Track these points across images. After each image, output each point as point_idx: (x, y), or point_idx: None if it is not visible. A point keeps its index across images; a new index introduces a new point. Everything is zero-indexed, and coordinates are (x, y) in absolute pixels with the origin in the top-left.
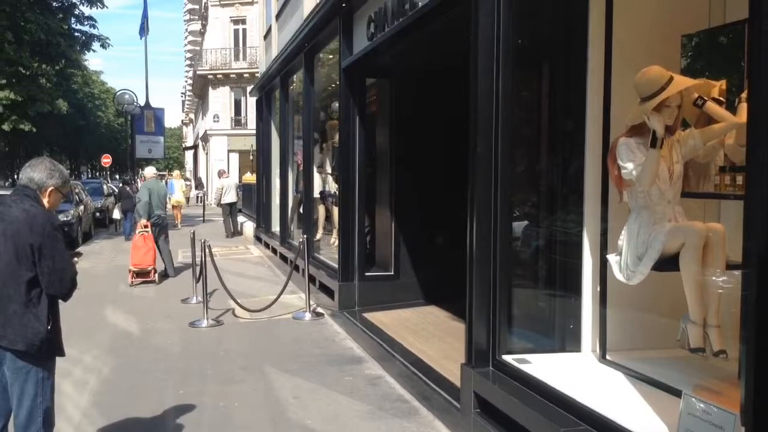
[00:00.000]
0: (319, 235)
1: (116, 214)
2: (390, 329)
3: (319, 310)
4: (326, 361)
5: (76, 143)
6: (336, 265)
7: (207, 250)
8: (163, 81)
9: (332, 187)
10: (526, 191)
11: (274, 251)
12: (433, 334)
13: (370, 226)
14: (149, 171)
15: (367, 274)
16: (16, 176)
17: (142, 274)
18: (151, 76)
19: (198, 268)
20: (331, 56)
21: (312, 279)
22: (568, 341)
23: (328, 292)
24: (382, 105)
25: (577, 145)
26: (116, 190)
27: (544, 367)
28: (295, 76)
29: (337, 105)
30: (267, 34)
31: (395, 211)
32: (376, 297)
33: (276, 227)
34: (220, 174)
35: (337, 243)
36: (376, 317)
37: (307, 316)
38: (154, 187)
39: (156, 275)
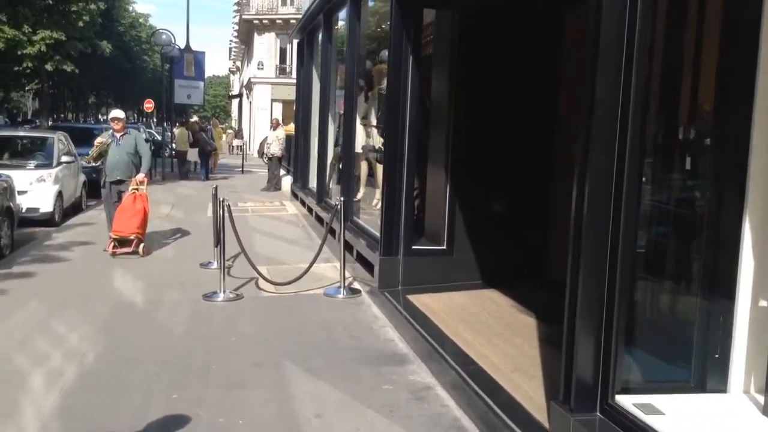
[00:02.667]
0: (359, 195)
1: (191, 157)
2: (440, 319)
3: (356, 285)
4: (360, 358)
5: (122, 87)
6: (377, 234)
7: (225, 211)
8: (212, 28)
9: (377, 141)
10: (660, 162)
11: (310, 210)
12: (496, 331)
13: (420, 190)
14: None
15: (414, 247)
16: (63, 115)
17: (123, 244)
18: (201, 23)
19: (219, 227)
20: None
21: (349, 247)
22: (710, 376)
23: (366, 264)
24: (441, 45)
25: (741, 101)
26: (155, 137)
27: (683, 420)
28: (340, 14)
29: (386, 53)
30: None
31: (451, 173)
32: (424, 275)
33: (313, 183)
34: (275, 125)
35: (379, 205)
36: (424, 301)
37: (342, 293)
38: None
39: (142, 246)
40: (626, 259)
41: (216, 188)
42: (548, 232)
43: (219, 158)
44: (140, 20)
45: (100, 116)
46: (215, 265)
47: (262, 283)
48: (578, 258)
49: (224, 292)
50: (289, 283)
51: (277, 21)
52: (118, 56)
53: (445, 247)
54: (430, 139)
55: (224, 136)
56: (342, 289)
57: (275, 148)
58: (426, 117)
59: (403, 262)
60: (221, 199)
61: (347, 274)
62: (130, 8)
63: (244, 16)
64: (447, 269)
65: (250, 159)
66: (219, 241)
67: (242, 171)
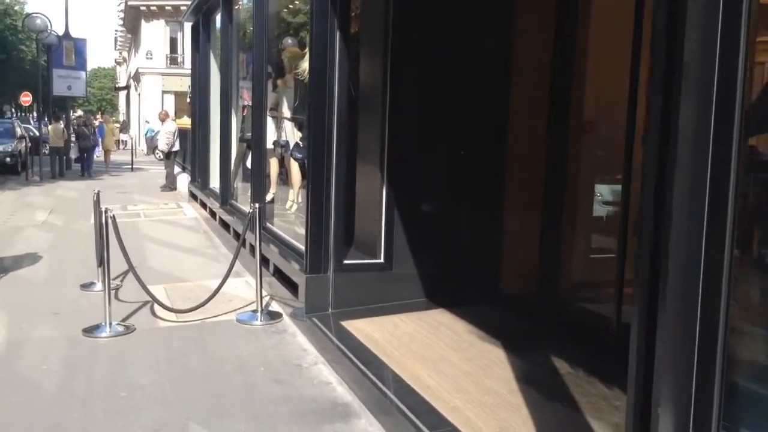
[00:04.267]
0: (269, 196)
1: (73, 153)
2: (388, 353)
3: (275, 307)
4: (292, 414)
5: None
6: (298, 245)
7: (109, 224)
8: (95, 16)
9: (291, 135)
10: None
11: (213, 214)
12: (462, 370)
13: (350, 194)
14: None
15: (346, 261)
16: None
17: None
18: (82, 9)
19: (102, 243)
20: None
21: (264, 260)
22: None
23: (285, 279)
24: (373, 24)
25: None
26: (33, 133)
27: None
28: None
29: (289, 40)
30: None
31: (388, 173)
32: (359, 295)
33: (215, 183)
34: (163, 117)
35: (294, 208)
36: (362, 328)
37: (259, 318)
38: None
39: None
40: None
41: (98, 194)
42: (500, 240)
43: (110, 156)
44: (15, 8)
45: None
46: (99, 285)
47: (159, 309)
48: (662, 293)
49: (110, 324)
50: (192, 309)
51: (167, 8)
52: None
53: (382, 260)
54: (362, 133)
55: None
56: (259, 313)
57: (163, 144)
58: (357, 107)
59: (334, 279)
60: (104, 210)
61: (264, 293)
62: None
63: (130, 3)
64: (385, 286)
65: (139, 155)
66: (102, 260)
67: (132, 168)
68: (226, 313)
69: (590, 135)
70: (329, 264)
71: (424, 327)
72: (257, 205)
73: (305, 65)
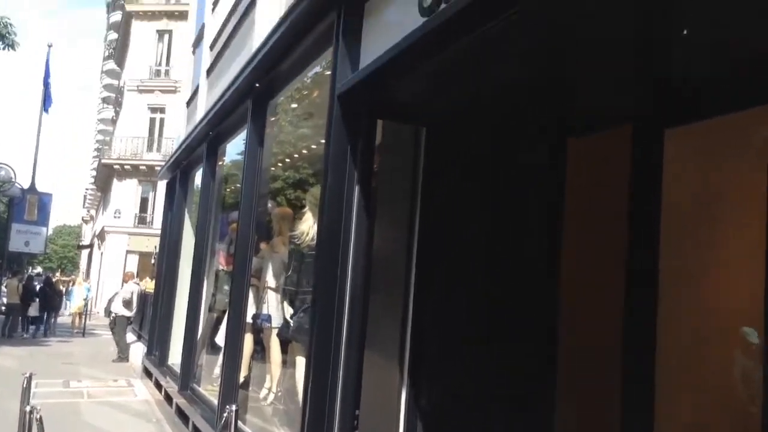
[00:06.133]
0: (242, 378)
1: (33, 311)
2: None
3: None
4: None
5: None
6: None
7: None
8: (67, 173)
9: (273, 308)
10: None
11: (169, 398)
12: None
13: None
14: None
15: None
16: None
17: None
18: (53, 162)
19: None
20: (295, 104)
21: None
22: None
23: None
24: (398, 172)
25: None
26: None
27: None
28: (232, 141)
29: (269, 204)
30: (191, 99)
31: (412, 358)
32: None
33: (175, 358)
34: (127, 278)
35: (271, 398)
36: None
37: None
38: None
39: None
40: None
41: (29, 379)
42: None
43: (78, 319)
44: None
45: None
46: None
47: None
48: None
49: None
50: None
51: (141, 167)
52: None
53: None
54: (380, 309)
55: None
56: None
57: (118, 305)
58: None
59: None
60: (28, 410)
61: None
62: None
63: (104, 161)
64: None
65: (95, 318)
66: None
67: (83, 333)
68: None
69: None
70: None
71: None
72: (233, 408)
73: (303, 226)
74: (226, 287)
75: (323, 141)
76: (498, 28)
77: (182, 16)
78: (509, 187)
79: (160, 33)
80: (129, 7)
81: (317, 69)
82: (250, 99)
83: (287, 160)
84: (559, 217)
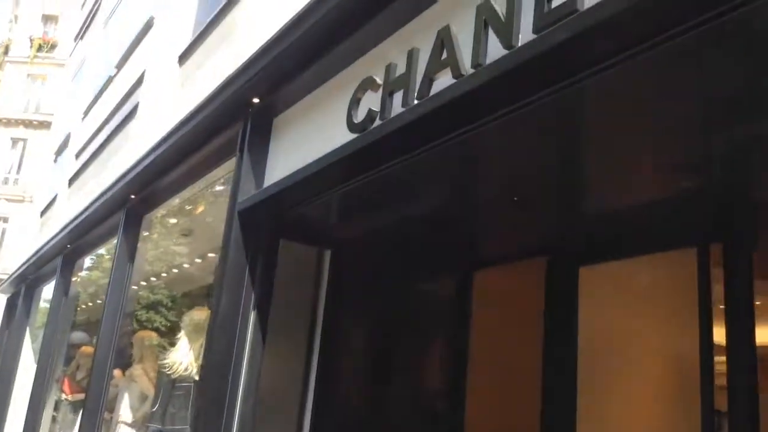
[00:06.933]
0: None
1: None
2: None
3: None
4: None
5: None
6: None
7: None
8: None
9: None
10: None
11: None
12: None
13: None
14: None
15: None
16: None
17: None
18: None
19: None
20: (174, 219)
21: None
22: None
23: None
24: (299, 294)
25: None
26: None
27: None
28: (91, 255)
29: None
30: (46, 209)
31: None
32: None
33: None
34: None
35: None
36: None
37: None
38: None
39: None
40: None
41: None
42: None
43: None
44: None
45: None
46: None
47: None
48: None
49: None
50: None
51: None
52: None
53: None
54: None
55: None
56: None
57: None
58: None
59: None
60: None
61: None
62: None
63: None
64: None
65: None
66: None
67: None
68: None
69: None
70: None
71: None
72: None
73: (177, 355)
74: (71, 419)
75: (198, 260)
76: (401, 166)
77: (41, 125)
78: (415, 318)
79: (14, 140)
80: None
81: (209, 184)
82: (123, 211)
83: (152, 278)
84: (464, 350)
